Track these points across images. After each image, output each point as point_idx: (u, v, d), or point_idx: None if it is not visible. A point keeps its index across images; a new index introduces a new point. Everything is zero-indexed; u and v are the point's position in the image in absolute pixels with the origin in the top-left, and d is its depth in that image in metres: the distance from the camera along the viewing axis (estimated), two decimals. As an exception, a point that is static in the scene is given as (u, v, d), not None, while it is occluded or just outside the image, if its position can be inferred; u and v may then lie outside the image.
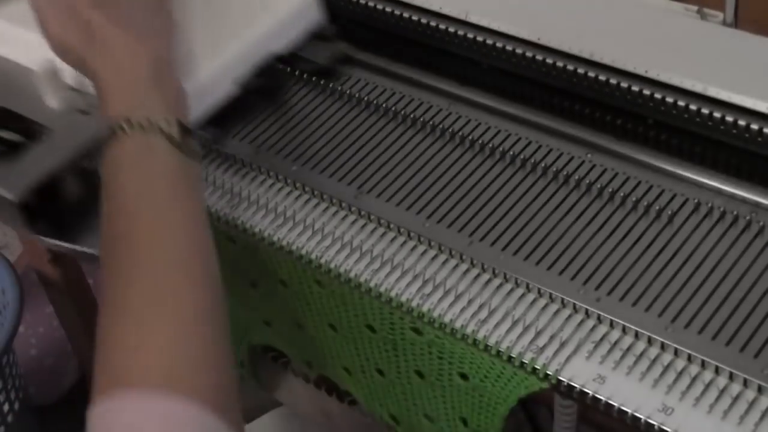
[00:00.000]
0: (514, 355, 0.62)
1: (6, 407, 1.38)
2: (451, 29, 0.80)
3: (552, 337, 0.62)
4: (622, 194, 0.68)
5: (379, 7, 0.83)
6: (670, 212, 0.67)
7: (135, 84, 0.67)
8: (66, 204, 0.75)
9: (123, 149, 0.64)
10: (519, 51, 0.76)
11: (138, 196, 0.62)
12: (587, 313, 0.63)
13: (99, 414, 0.54)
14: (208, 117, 0.77)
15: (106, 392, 0.54)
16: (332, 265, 0.69)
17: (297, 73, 0.82)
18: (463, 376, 0.68)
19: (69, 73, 0.77)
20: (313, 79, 0.82)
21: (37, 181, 0.71)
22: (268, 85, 0.81)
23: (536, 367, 0.61)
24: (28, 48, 0.79)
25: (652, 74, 0.71)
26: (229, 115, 0.79)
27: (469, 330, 0.64)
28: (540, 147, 0.73)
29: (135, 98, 0.66)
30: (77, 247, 0.74)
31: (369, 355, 0.75)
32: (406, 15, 0.82)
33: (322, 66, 0.82)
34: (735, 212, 0.66)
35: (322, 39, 0.84)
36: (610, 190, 0.69)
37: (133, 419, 0.52)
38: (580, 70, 0.74)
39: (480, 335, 0.63)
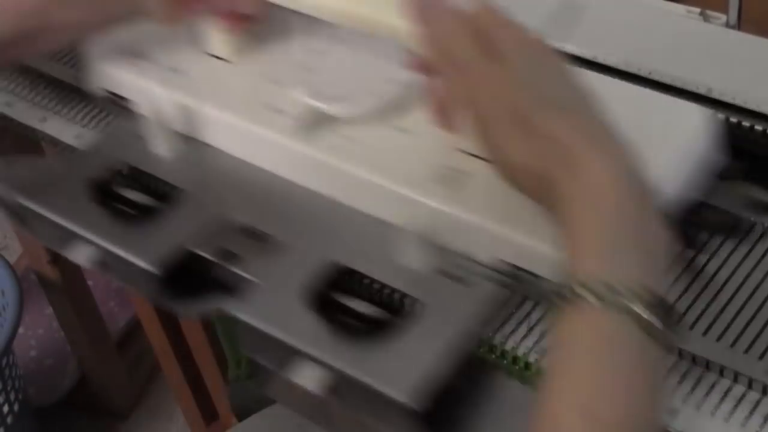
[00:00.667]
0: (519, 356, 0.62)
1: (5, 408, 1.38)
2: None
3: (556, 339, 0.62)
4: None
5: None
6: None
7: (612, 225, 0.50)
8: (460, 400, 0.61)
9: (576, 323, 0.50)
10: (522, 53, 0.76)
11: (590, 388, 0.48)
12: (591, 315, 0.62)
13: None
14: None
15: None
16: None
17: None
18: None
19: None
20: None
21: (435, 386, 0.58)
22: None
23: (540, 368, 0.61)
24: None
25: (655, 76, 0.71)
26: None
27: (473, 332, 0.63)
28: (543, 149, 0.73)
29: (608, 249, 0.50)
30: None
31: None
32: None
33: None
34: (739, 214, 0.65)
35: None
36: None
37: None
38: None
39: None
